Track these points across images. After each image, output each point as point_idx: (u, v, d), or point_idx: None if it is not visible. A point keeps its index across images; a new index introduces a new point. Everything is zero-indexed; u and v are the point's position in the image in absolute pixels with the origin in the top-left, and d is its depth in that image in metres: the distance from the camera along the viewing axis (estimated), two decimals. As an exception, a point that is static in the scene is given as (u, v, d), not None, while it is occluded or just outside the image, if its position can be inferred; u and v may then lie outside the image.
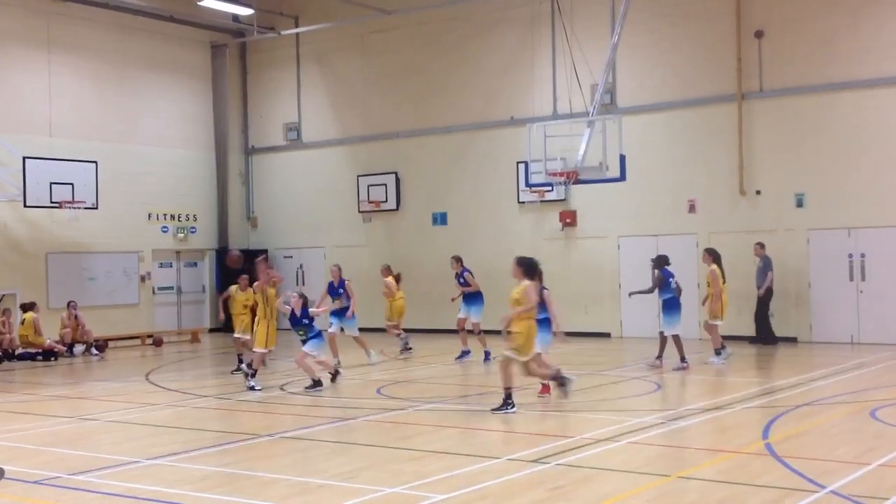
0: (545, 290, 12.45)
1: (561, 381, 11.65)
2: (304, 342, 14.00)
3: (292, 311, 13.98)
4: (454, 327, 17.89)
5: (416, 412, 11.88)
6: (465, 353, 17.52)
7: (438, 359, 18.29)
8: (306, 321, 13.91)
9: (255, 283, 14.60)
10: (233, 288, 16.73)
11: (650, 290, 16.29)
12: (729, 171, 20.46)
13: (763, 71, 20.10)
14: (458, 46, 24.01)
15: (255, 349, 14.44)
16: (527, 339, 11.21)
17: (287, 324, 14.30)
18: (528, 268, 11.59)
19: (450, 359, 17.73)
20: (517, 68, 23.18)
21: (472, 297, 17.47)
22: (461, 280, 17.61)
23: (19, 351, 20.07)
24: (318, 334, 14.05)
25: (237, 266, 16.68)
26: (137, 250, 24.47)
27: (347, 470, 8.70)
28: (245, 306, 16.18)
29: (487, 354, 17.07)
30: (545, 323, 12.35)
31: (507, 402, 11.36)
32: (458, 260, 17.88)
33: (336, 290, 16.64)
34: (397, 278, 18.99)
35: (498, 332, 18.26)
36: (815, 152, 19.60)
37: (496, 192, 23.37)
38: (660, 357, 15.71)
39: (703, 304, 16.72)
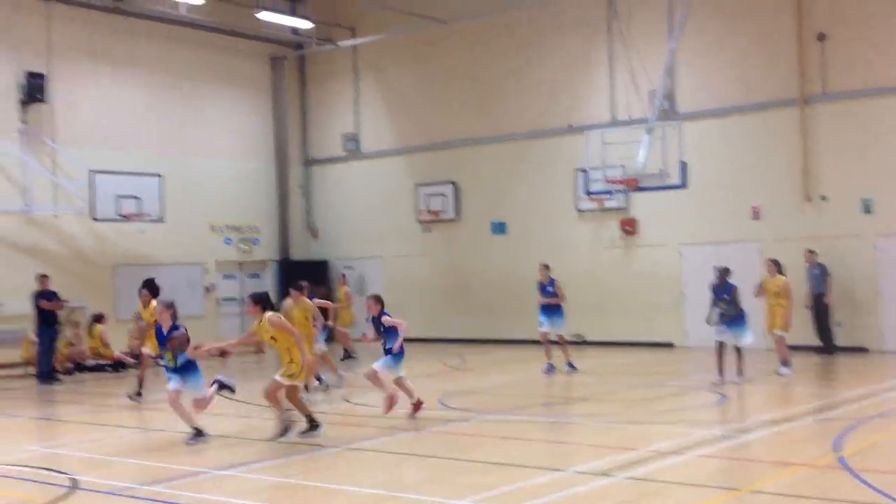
0: (386, 315, 12.23)
1: (312, 424, 11.00)
2: (172, 372, 11.11)
3: (158, 327, 11.34)
4: (513, 337, 17.81)
5: (479, 423, 11.88)
6: (551, 367, 16.79)
7: (499, 368, 18.25)
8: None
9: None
10: (140, 306, 16.56)
11: (734, 311, 15.12)
12: (793, 177, 20.08)
13: (826, 74, 19.73)
14: (514, 54, 23.97)
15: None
16: (300, 366, 10.95)
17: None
18: (265, 302, 11.07)
19: (511, 368, 17.67)
20: (574, 75, 23.06)
21: (554, 309, 16.90)
22: (549, 290, 16.94)
23: (89, 362, 20.58)
24: (193, 365, 11.15)
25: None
26: (201, 262, 24.89)
27: (411, 482, 8.73)
28: (150, 324, 16.14)
29: (571, 364, 16.90)
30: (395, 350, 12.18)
31: (313, 423, 10.98)
32: (546, 267, 17.16)
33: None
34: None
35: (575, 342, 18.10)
36: (882, 156, 19.15)
37: (555, 200, 23.24)
38: (740, 373, 14.87)
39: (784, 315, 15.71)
